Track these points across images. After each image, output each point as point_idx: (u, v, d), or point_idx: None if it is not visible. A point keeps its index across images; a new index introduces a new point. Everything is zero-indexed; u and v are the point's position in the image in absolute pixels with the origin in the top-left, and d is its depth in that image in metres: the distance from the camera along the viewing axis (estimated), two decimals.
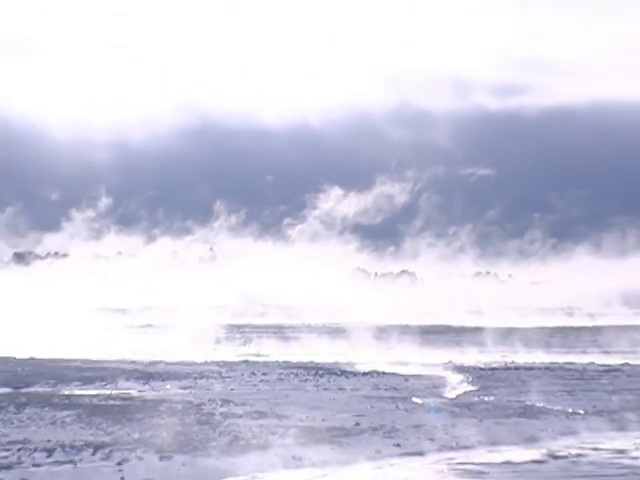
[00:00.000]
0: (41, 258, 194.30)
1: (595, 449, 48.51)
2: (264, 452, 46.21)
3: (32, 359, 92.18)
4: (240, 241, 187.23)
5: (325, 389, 73.90)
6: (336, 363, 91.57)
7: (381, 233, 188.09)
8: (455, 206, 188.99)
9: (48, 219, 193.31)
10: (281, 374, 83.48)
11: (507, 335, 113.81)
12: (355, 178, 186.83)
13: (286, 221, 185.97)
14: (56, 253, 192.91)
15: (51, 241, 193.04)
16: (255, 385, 76.11)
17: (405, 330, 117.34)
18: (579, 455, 46.89)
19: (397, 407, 63.24)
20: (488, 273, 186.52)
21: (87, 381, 76.27)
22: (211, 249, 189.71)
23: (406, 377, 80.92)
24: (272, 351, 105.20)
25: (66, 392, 70.06)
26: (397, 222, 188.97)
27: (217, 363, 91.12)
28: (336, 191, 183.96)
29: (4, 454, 45.50)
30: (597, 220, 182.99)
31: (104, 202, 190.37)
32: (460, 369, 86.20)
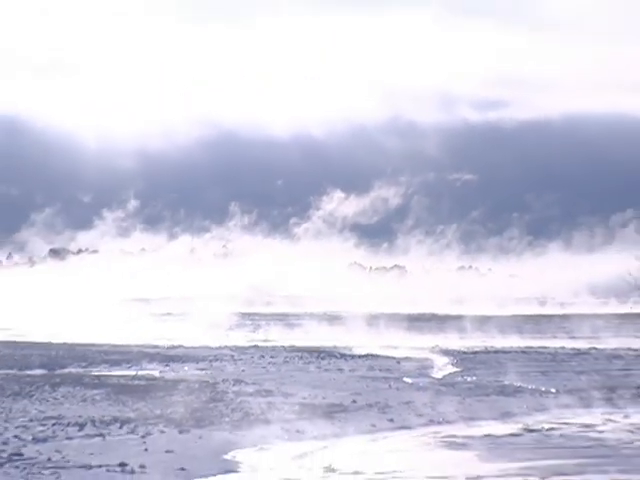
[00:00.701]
0: (74, 254, 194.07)
1: (565, 424, 48.92)
2: (271, 426, 46.65)
3: (65, 344, 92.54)
4: (251, 238, 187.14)
5: (325, 370, 74.23)
6: (335, 347, 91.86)
7: (376, 231, 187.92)
8: (442, 207, 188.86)
9: (81, 219, 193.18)
10: (286, 357, 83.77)
11: (487, 322, 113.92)
12: (354, 182, 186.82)
13: (292, 221, 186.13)
14: (87, 249, 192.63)
15: (83, 239, 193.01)
16: (263, 367, 76.40)
17: (396, 318, 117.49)
18: (551, 429, 47.38)
19: (390, 386, 63.60)
20: (470, 267, 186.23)
21: (114, 363, 76.59)
22: (224, 246, 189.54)
23: (397, 359, 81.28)
24: (278, 336, 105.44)
25: (95, 373, 70.43)
26: (391, 222, 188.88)
27: (230, 347, 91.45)
28: (337, 194, 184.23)
29: (40, 428, 45.92)
30: (568, 220, 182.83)
31: (132, 204, 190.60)
32: (445, 352, 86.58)
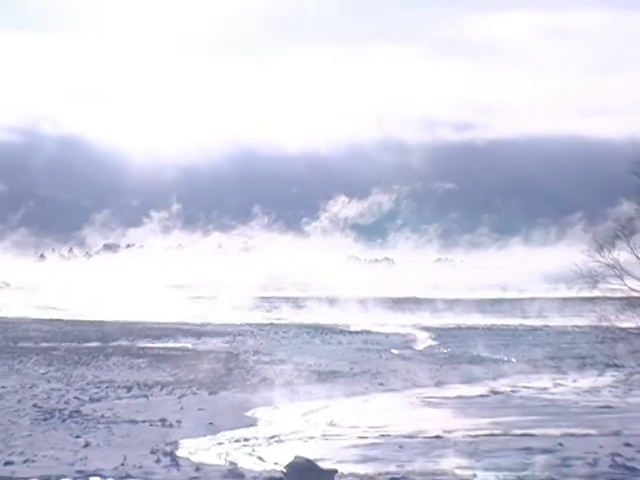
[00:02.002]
0: (124, 248, 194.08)
1: (524, 387, 49.03)
2: (284, 388, 46.73)
3: (116, 321, 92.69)
4: (269, 235, 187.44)
5: (328, 343, 74.36)
6: (335, 324, 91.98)
7: (371, 230, 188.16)
8: (426, 210, 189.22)
9: (130, 219, 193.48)
10: (296, 332, 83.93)
11: (459, 304, 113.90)
12: (354, 190, 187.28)
13: (303, 220, 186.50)
14: (135, 244, 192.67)
15: (132, 235, 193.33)
16: (277, 340, 76.54)
17: (385, 300, 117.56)
18: (512, 391, 47.44)
19: (380, 356, 63.69)
20: (446, 259, 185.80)
21: (156, 337, 76.72)
22: (246, 241, 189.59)
23: (386, 334, 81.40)
24: (289, 316, 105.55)
25: (140, 345, 70.56)
26: (384, 222, 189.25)
27: (249, 325, 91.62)
28: (341, 199, 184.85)
29: (95, 390, 46.07)
30: (527, 220, 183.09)
31: (174, 207, 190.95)
32: (425, 329, 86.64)
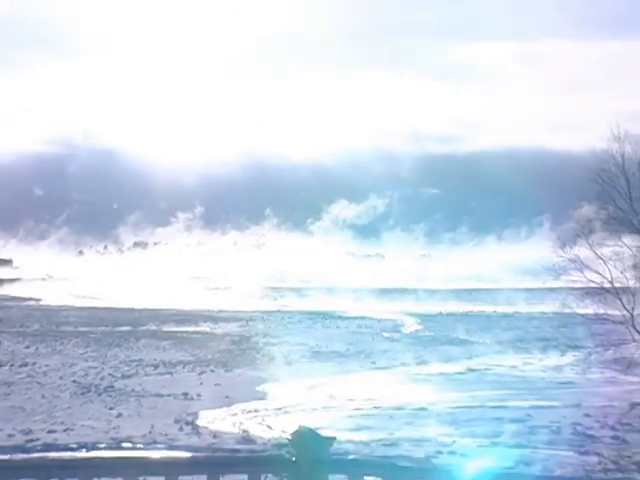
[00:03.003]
0: (152, 245, 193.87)
1: (497, 365, 48.93)
2: (289, 367, 46.69)
3: (145, 308, 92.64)
4: (278, 234, 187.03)
5: (327, 327, 74.25)
6: (334, 311, 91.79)
7: (367, 229, 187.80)
8: (413, 212, 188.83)
9: (158, 220, 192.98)
10: (300, 318, 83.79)
11: (441, 294, 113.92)
12: (353, 195, 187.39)
13: (308, 221, 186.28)
14: (162, 242, 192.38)
15: (159, 234, 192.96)
16: (284, 325, 76.44)
17: (377, 290, 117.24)
18: (486, 369, 47.34)
19: (372, 339, 63.55)
20: (430, 255, 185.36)
21: (179, 322, 76.64)
22: (258, 239, 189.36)
23: (378, 320, 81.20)
24: (294, 304, 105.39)
25: (166, 329, 70.49)
26: (377, 222, 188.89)
27: (260, 311, 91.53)
28: (341, 203, 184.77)
29: (126, 368, 46.00)
30: (501, 221, 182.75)
31: (197, 209, 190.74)
32: (412, 315, 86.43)
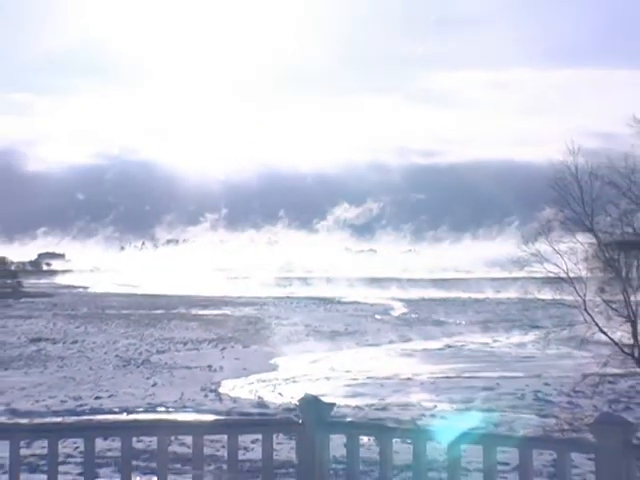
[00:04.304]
0: (183, 242, 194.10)
1: (471, 342, 48.86)
2: (296, 343, 46.69)
3: (175, 295, 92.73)
4: (288, 232, 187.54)
5: (328, 311, 74.33)
6: (334, 297, 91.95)
7: (363, 228, 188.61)
8: (402, 214, 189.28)
9: (187, 220, 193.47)
10: (305, 303, 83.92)
11: (423, 283, 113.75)
12: (352, 199, 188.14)
13: (314, 221, 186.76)
14: (190, 239, 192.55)
15: (188, 233, 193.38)
16: (292, 309, 76.56)
17: (369, 279, 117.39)
18: (462, 345, 47.29)
19: (366, 320, 63.57)
20: (414, 250, 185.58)
21: (204, 306, 76.82)
22: (271, 237, 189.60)
23: (371, 304, 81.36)
24: (300, 291, 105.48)
25: (193, 312, 70.64)
26: (372, 222, 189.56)
27: (272, 297, 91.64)
28: (343, 205, 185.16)
29: (160, 345, 46.05)
30: (475, 221, 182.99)
31: (222, 211, 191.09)
32: (400, 300, 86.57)
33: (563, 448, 3.73)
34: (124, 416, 26.77)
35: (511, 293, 74.70)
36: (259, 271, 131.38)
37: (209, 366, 37.48)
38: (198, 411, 27.46)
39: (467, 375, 35.31)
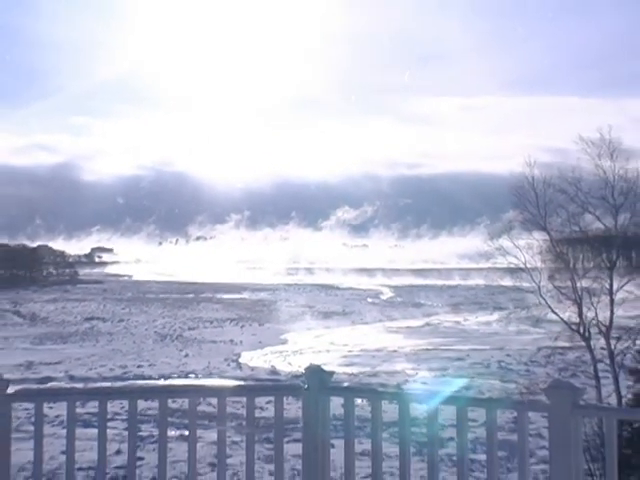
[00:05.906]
0: (210, 239, 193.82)
1: (446, 321, 48.74)
2: (302, 322, 46.61)
3: (204, 282, 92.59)
4: (297, 230, 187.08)
5: (329, 295, 74.11)
6: (333, 284, 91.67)
7: (359, 227, 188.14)
8: (391, 215, 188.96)
9: (214, 220, 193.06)
10: (310, 289, 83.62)
11: (407, 272, 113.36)
12: (351, 203, 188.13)
13: (319, 221, 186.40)
14: (216, 237, 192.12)
15: (216, 230, 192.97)
16: (299, 294, 76.31)
17: (362, 270, 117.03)
18: (439, 323, 47.16)
19: (360, 303, 63.38)
20: (400, 245, 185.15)
21: (227, 291, 76.65)
22: (283, 234, 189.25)
23: (364, 290, 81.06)
24: (306, 279, 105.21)
25: (217, 296, 70.52)
26: (367, 222, 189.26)
27: (282, 284, 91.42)
28: (343, 208, 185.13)
29: (190, 323, 46.01)
30: (451, 222, 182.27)
31: (244, 213, 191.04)
32: (388, 287, 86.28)
33: (522, 408, 3.73)
34: (161, 381, 26.83)
35: (479, 281, 74.60)
36: (272, 262, 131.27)
37: (231, 340, 37.49)
38: (222, 377, 27.48)
39: (443, 348, 35.30)
